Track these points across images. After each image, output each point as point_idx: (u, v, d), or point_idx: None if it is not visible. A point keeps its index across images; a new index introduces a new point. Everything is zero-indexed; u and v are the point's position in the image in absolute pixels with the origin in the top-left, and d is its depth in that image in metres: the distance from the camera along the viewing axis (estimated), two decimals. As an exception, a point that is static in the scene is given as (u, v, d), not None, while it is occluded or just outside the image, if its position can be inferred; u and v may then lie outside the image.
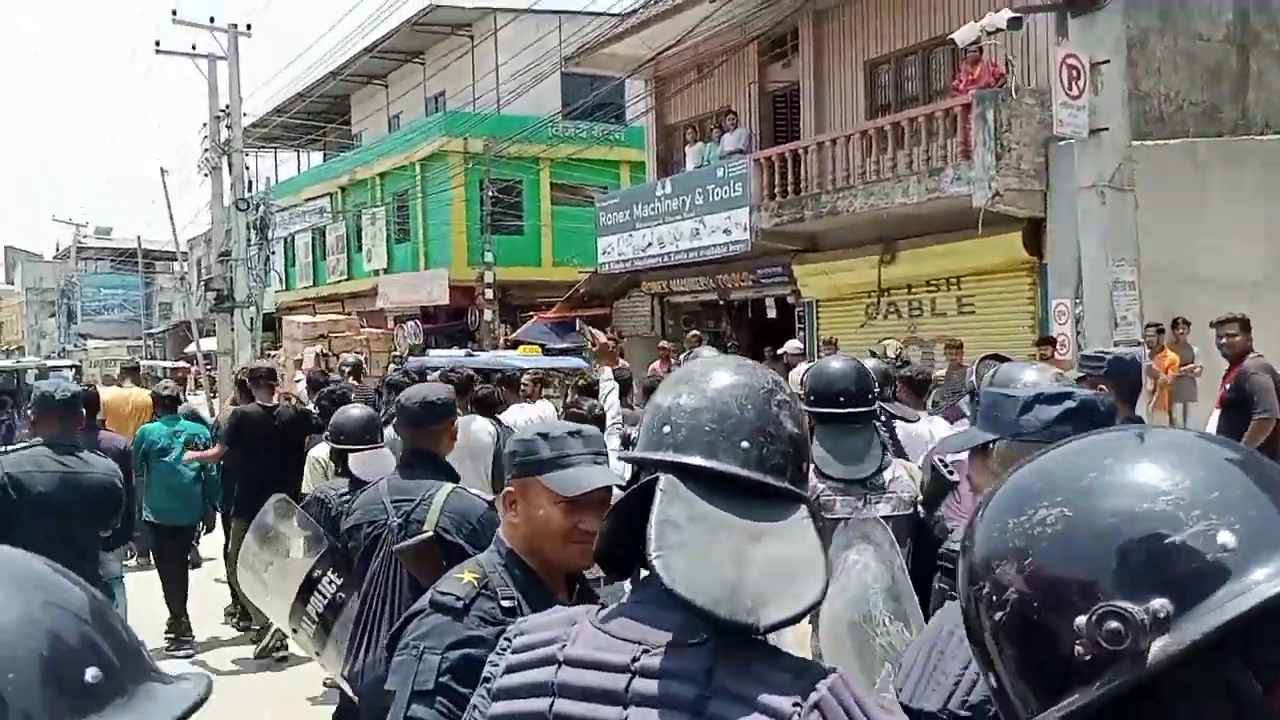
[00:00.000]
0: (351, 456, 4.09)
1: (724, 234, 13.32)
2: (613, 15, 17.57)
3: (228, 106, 22.13)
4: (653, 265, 14.91)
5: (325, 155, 33.72)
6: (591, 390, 6.00)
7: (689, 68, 15.48)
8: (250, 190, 22.22)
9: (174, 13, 21.03)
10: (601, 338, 8.67)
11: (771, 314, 14.42)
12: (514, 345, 20.65)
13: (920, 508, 3.05)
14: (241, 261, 21.80)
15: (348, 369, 8.16)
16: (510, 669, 1.21)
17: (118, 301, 49.57)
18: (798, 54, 13.87)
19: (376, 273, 26.88)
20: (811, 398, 3.11)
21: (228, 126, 22.00)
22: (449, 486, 3.05)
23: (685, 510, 1.15)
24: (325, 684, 5.36)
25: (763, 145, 13.83)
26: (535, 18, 24.43)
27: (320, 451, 5.19)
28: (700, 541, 1.14)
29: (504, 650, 1.24)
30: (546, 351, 13.45)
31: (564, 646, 1.17)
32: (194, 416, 7.44)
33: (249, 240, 22.04)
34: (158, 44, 22.10)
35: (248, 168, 22.23)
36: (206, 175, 23.81)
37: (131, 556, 7.63)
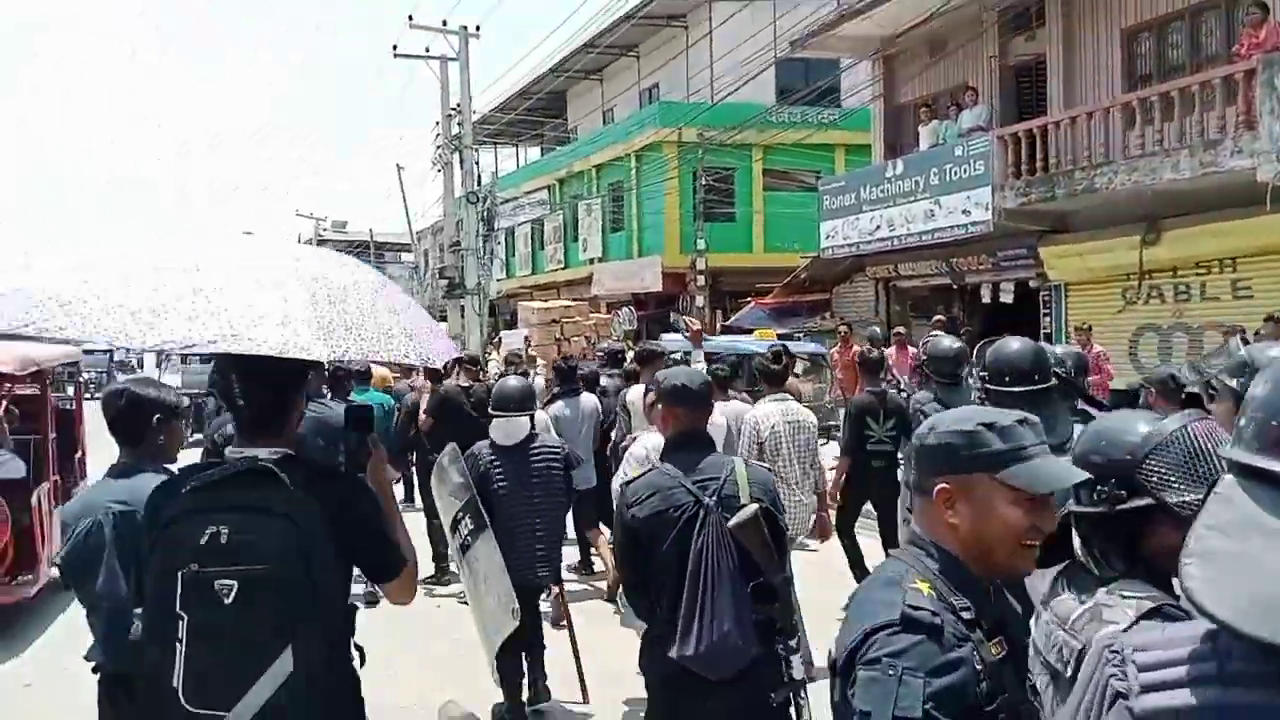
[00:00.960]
0: (493, 422, 4.69)
1: (962, 215, 12.69)
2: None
3: (458, 105, 23.23)
4: (880, 249, 14.44)
5: (543, 150, 34.85)
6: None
7: (921, 45, 14.85)
8: (479, 184, 23.23)
9: (410, 17, 22.25)
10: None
11: (1008, 298, 13.65)
12: (727, 330, 20.67)
13: None
14: (471, 251, 22.85)
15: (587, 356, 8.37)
16: (1148, 688, 1.06)
17: (351, 291, 53.05)
18: (1044, 25, 13.01)
19: (592, 261, 27.53)
20: (1006, 379, 3.32)
21: (458, 124, 23.09)
22: (736, 459, 3.08)
23: (1236, 515, 1.00)
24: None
25: (1004, 122, 13.07)
26: (749, 6, 24.26)
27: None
28: (1247, 551, 0.97)
29: (1119, 668, 1.11)
30: (782, 337, 13.28)
31: (1222, 665, 1.01)
32: (384, 389, 8.63)
33: (477, 231, 23.09)
34: (395, 48, 23.44)
35: (477, 163, 23.22)
36: (439, 170, 25.15)
37: None
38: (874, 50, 15.66)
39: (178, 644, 1.94)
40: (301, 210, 60.77)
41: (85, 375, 10.36)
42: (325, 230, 53.84)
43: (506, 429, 4.70)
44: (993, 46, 13.75)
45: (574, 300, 15.85)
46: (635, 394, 6.39)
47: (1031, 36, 13.37)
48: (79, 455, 8.53)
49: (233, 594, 1.93)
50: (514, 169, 34.36)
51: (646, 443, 4.28)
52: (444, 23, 22.41)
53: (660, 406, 3.15)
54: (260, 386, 2.12)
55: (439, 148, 26.71)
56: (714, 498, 2.90)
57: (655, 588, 2.93)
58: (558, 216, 29.60)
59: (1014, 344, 3.47)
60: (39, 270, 2.04)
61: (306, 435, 4.66)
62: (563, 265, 29.62)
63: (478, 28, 22.73)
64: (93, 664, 2.85)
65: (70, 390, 9.18)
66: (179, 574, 1.95)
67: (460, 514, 4.36)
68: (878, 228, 14.27)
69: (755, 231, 25.01)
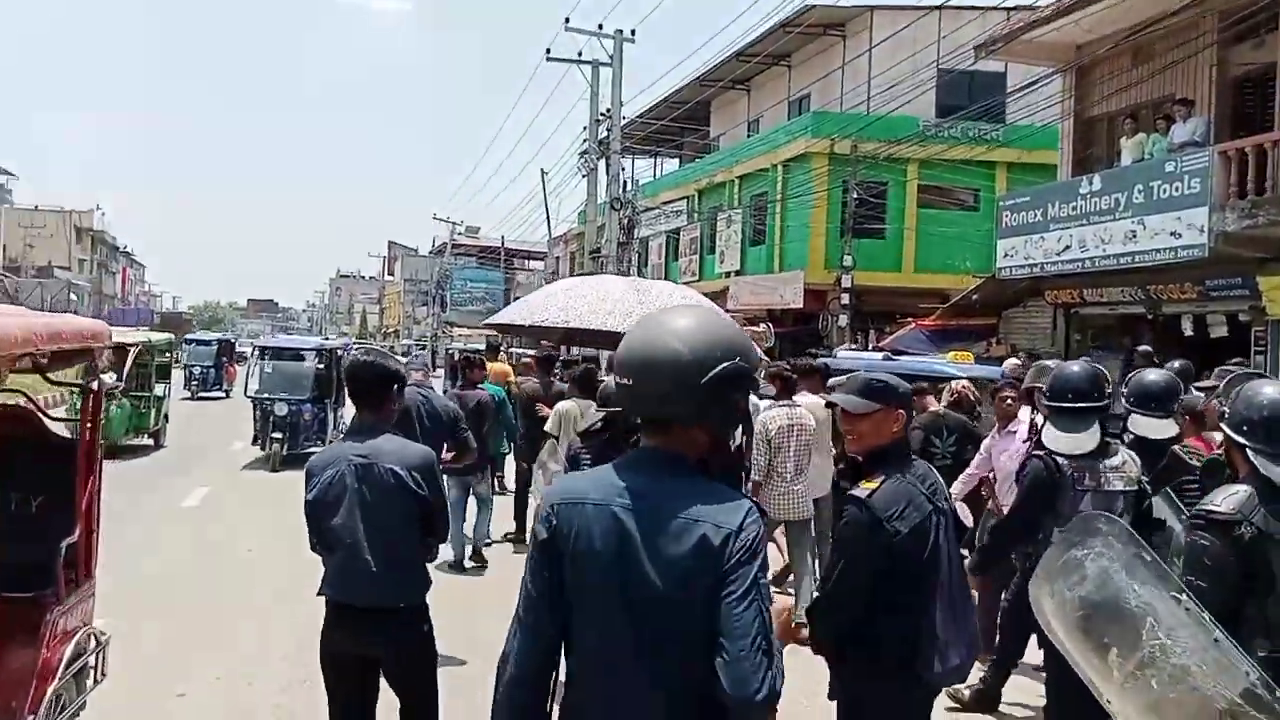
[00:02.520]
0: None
1: (1171, 236, 11.45)
2: (1019, 8, 15.96)
3: (607, 110, 22.89)
4: (1066, 271, 13.25)
5: (681, 161, 34.38)
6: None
7: (1123, 53, 13.63)
8: (624, 191, 22.82)
9: (566, 20, 22.06)
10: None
11: (1220, 331, 12.27)
12: (879, 352, 19.58)
13: (1146, 485, 3.98)
14: (611, 259, 22.44)
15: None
16: None
17: (481, 294, 53.83)
18: (1276, 30, 11.68)
19: (729, 274, 26.78)
20: (1069, 396, 4.00)
21: (607, 129, 22.74)
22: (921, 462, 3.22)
23: None
24: None
25: (1221, 137, 11.78)
26: (909, 14, 23.21)
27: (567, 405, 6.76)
28: None
29: None
30: (980, 360, 12.26)
31: None
32: (502, 383, 10.08)
33: (618, 239, 22.67)
34: (548, 51, 23.27)
35: (623, 169, 22.82)
36: (584, 176, 24.89)
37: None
38: (1067, 59, 14.48)
39: None
40: (439, 214, 61.96)
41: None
42: (459, 235, 54.77)
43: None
44: (1211, 54, 12.45)
45: (723, 311, 15.06)
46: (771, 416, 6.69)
47: (1260, 43, 12.03)
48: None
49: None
50: (651, 179, 33.97)
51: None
52: (600, 26, 22.11)
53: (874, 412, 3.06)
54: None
55: (584, 153, 26.49)
56: (945, 503, 2.95)
57: (893, 606, 2.80)
58: (695, 228, 29.00)
59: (1074, 366, 4.30)
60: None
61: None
62: (697, 277, 28.93)
63: (633, 32, 22.37)
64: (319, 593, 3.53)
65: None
66: None
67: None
68: (1066, 248, 13.09)
69: (905, 250, 23.84)
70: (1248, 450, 2.93)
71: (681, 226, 29.44)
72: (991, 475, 6.09)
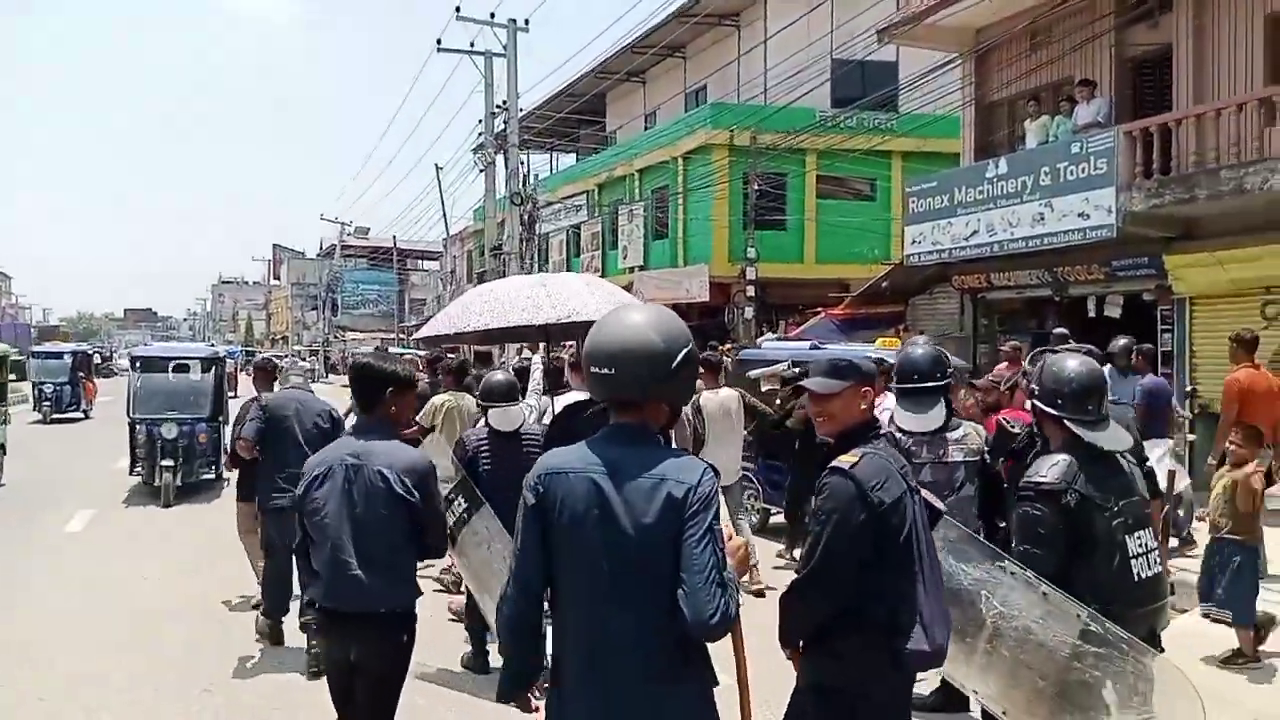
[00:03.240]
0: (490, 411, 5.36)
1: (1079, 218, 11.43)
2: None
3: (503, 102, 22.13)
4: (974, 256, 13.18)
5: (578, 156, 33.75)
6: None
7: (1021, 36, 13.64)
8: (524, 185, 22.09)
9: (458, 9, 21.16)
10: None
11: (1114, 312, 12.38)
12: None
13: (986, 456, 4.39)
14: (514, 255, 21.70)
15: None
16: None
17: (373, 296, 52.10)
18: (1170, 11, 11.79)
19: (632, 270, 26.30)
20: (914, 377, 4.28)
21: (503, 122, 21.97)
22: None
23: None
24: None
25: (1123, 118, 11.84)
26: (803, 4, 23.13)
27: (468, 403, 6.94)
28: None
29: None
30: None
31: None
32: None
33: (521, 235, 21.93)
34: (439, 43, 22.35)
35: (522, 162, 22.08)
36: (481, 171, 24.03)
37: None
38: (967, 43, 14.44)
39: None
40: (327, 215, 59.70)
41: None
42: (349, 235, 52.92)
43: (503, 417, 5.33)
44: (1110, 37, 12.52)
45: (672, 301, 14.55)
46: (707, 398, 7.49)
47: (1155, 25, 12.14)
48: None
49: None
50: (549, 175, 33.24)
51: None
52: (492, 15, 21.31)
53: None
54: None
55: (479, 148, 25.63)
56: (914, 481, 2.89)
57: (879, 583, 2.71)
58: (596, 222, 28.43)
59: (917, 348, 4.54)
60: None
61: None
62: (600, 273, 28.38)
63: (526, 21, 21.65)
64: (307, 599, 3.64)
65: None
66: None
67: (452, 494, 4.67)
68: (974, 232, 13.01)
69: (807, 241, 23.78)
70: (1065, 421, 3.17)
71: (582, 222, 28.83)
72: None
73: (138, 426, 12.01)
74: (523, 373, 7.09)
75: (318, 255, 62.77)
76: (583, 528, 2.19)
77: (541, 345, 7.01)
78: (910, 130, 22.28)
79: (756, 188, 22.21)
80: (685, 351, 2.26)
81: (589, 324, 2.76)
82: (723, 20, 24.84)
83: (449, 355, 11.18)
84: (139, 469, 12.11)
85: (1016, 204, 12.30)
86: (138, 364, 13.25)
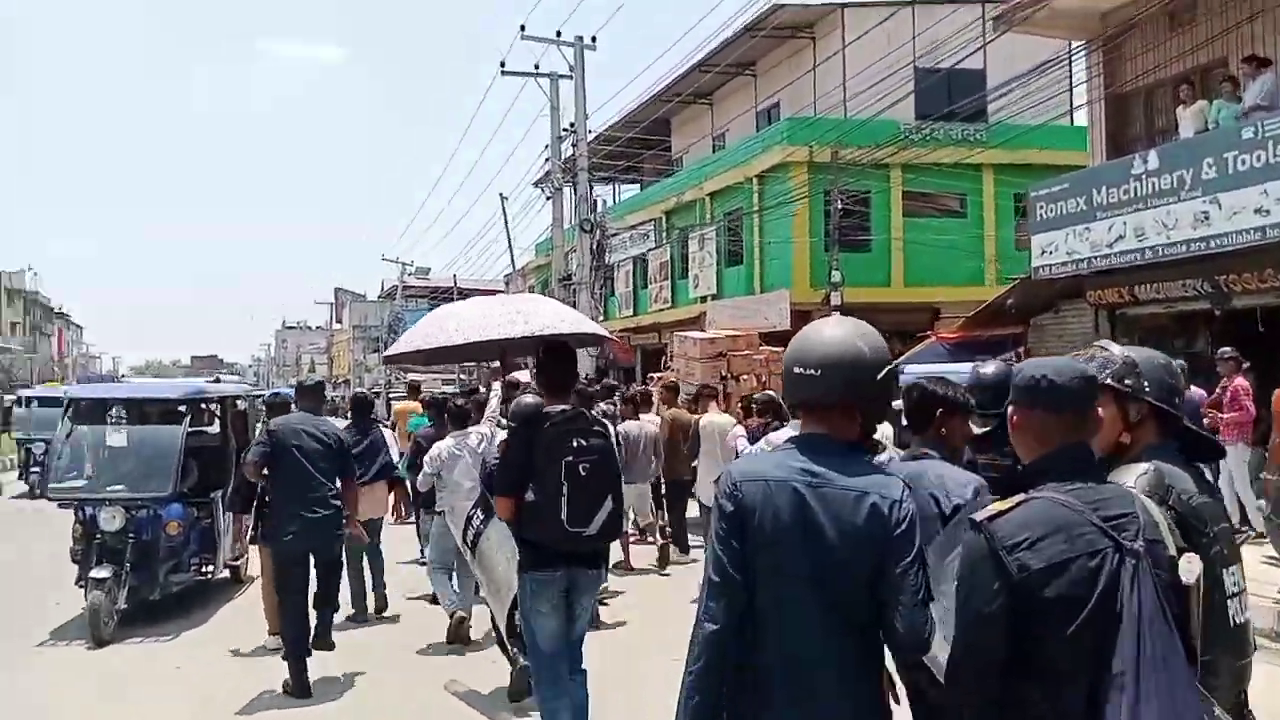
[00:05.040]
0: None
1: (1256, 215, 9.70)
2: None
3: (571, 124, 20.97)
4: (1119, 265, 11.49)
5: (641, 185, 32.57)
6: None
7: (1157, 18, 12.03)
8: (593, 211, 20.84)
9: (522, 28, 20.10)
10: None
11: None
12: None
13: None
14: (584, 285, 20.41)
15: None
16: None
17: (435, 336, 51.30)
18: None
19: (704, 299, 24.87)
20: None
21: (572, 145, 20.80)
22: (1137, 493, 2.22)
23: None
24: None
25: (1299, 98, 10.17)
26: (880, 11, 21.72)
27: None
28: None
29: None
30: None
31: None
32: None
33: (591, 264, 20.66)
34: (503, 65, 21.31)
35: (592, 186, 20.84)
36: (549, 198, 22.88)
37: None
38: (1091, 30, 12.86)
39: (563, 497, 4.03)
40: (388, 256, 59.50)
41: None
42: (410, 275, 52.38)
43: None
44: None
45: (741, 330, 13.11)
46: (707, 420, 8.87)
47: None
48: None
49: (588, 470, 4.10)
50: (612, 204, 32.07)
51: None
52: (558, 33, 20.21)
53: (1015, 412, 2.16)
54: (565, 372, 4.43)
55: (541, 180, 24.53)
56: (1140, 543, 1.95)
57: (1043, 674, 1.93)
58: (664, 252, 27.09)
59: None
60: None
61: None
62: (669, 304, 27.02)
63: (594, 39, 20.50)
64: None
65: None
66: (563, 463, 4.06)
67: (472, 510, 5.24)
68: (1119, 238, 11.32)
69: (894, 263, 22.12)
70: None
71: (649, 251, 27.51)
72: None
73: (76, 512, 7.62)
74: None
75: (379, 297, 62.48)
76: (785, 538, 2.11)
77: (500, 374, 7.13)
78: (1005, 142, 20.55)
79: (840, 206, 20.71)
80: (889, 369, 2.24)
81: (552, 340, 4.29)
82: (796, 33, 23.51)
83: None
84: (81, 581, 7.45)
85: (1172, 202, 10.61)
86: (76, 410, 8.35)
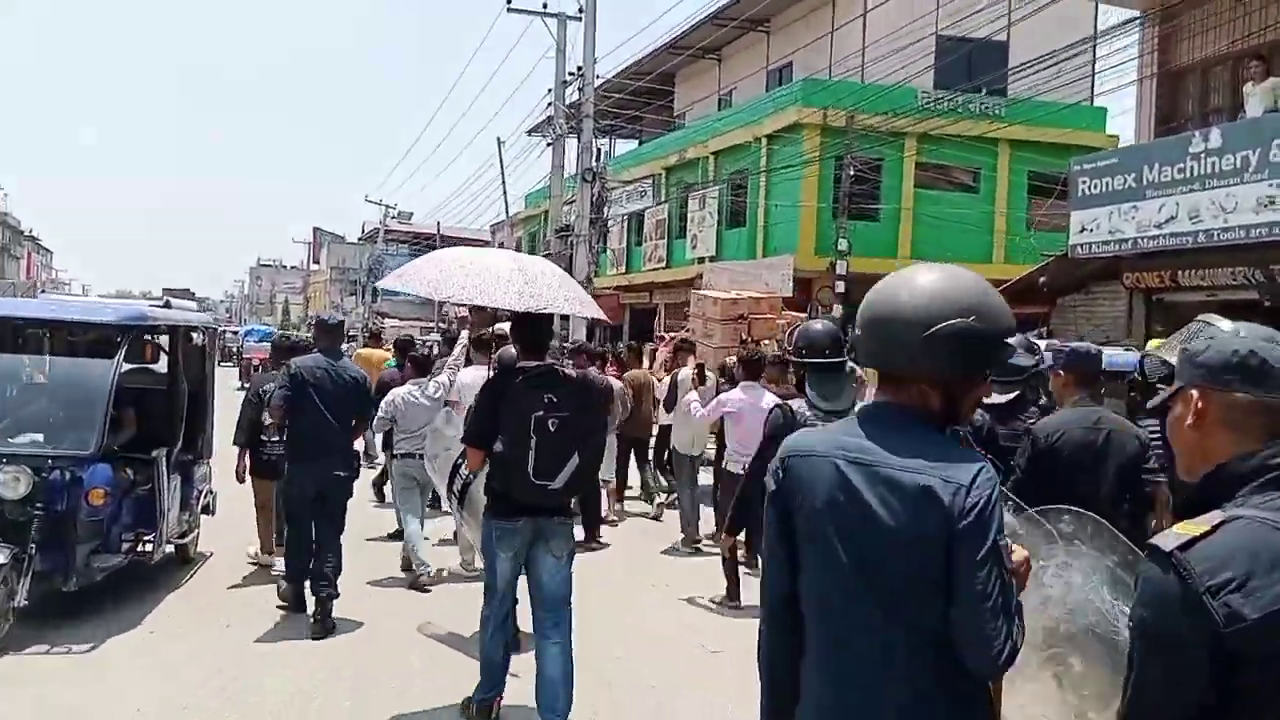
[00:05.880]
0: None
1: (1330, 202, 9.09)
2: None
3: (578, 68, 19.93)
4: (1168, 247, 10.82)
5: (641, 140, 31.51)
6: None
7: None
8: (597, 160, 19.87)
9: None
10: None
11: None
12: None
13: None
14: (583, 238, 19.50)
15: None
16: None
17: (415, 283, 50.13)
18: None
19: (701, 260, 24.02)
20: (804, 351, 4.46)
21: (578, 89, 19.77)
22: None
23: None
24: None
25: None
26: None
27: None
28: None
29: None
30: None
31: None
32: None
33: (590, 216, 19.73)
34: (509, 1, 20.20)
35: (596, 134, 19.84)
36: (549, 144, 21.85)
37: None
38: (1152, 0, 12.07)
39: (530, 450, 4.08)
40: (371, 197, 57.94)
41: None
42: (391, 220, 51.03)
43: None
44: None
45: (765, 294, 12.32)
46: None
47: None
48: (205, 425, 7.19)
49: (556, 426, 4.12)
50: (609, 158, 31.02)
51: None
52: (569, -28, 19.05)
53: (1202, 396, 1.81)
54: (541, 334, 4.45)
55: (543, 122, 23.48)
56: None
57: None
58: (661, 210, 26.16)
59: (816, 325, 4.76)
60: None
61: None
62: (664, 264, 26.17)
63: (606, -19, 19.37)
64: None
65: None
66: (532, 417, 4.10)
67: (460, 459, 4.93)
68: (1170, 218, 10.63)
69: (902, 234, 21.36)
70: None
71: (647, 208, 26.55)
72: None
73: None
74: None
75: (359, 240, 61.02)
76: (823, 522, 1.82)
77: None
78: (1024, 119, 19.76)
79: (852, 173, 19.89)
80: (950, 323, 1.78)
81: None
82: (817, -9, 22.52)
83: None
84: None
85: (1234, 184, 9.90)
86: None
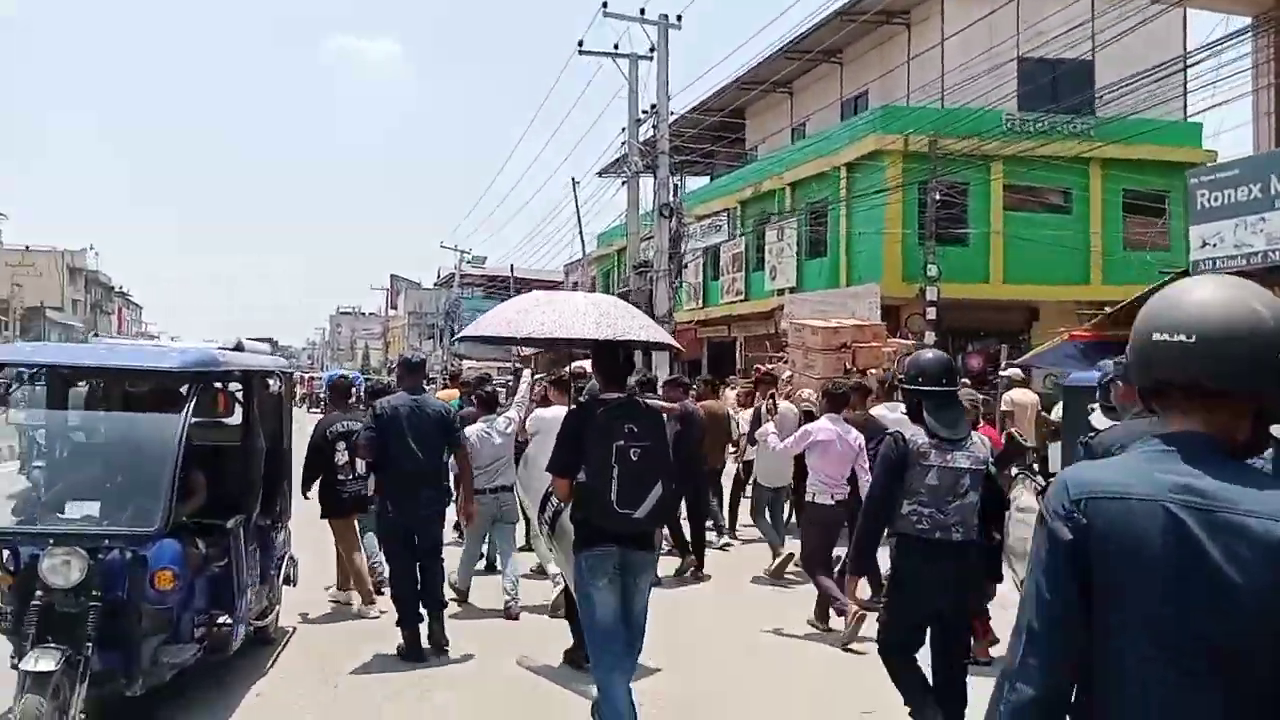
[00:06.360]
0: None
1: None
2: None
3: (652, 106, 19.79)
4: (1303, 262, 10.04)
5: (712, 176, 31.30)
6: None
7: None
8: (672, 196, 19.64)
9: (605, 5, 18.96)
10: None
11: None
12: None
13: (991, 465, 4.34)
14: (663, 274, 19.21)
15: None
16: None
17: (490, 326, 50.50)
18: None
19: (782, 291, 23.55)
20: (920, 380, 4.32)
21: (653, 126, 19.61)
22: None
23: None
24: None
25: None
26: (985, 2, 20.20)
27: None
28: None
29: None
30: None
31: None
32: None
33: (669, 252, 19.46)
34: (581, 44, 20.19)
35: (672, 170, 19.63)
36: (624, 183, 21.73)
37: None
38: (1265, 3, 11.38)
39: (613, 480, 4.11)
40: (446, 243, 58.90)
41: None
42: (466, 264, 51.65)
43: None
44: None
45: (866, 321, 11.85)
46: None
47: None
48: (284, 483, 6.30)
49: (638, 455, 4.15)
50: (682, 195, 30.86)
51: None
52: (642, 11, 19.01)
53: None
54: (621, 365, 4.55)
55: (615, 161, 23.41)
56: None
57: None
58: (739, 243, 25.80)
59: (928, 354, 4.65)
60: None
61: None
62: (743, 296, 25.76)
63: (679, 17, 19.29)
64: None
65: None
66: (614, 446, 4.13)
67: (550, 489, 4.80)
68: (1307, 230, 9.89)
69: (993, 258, 20.61)
70: None
71: (722, 242, 26.22)
72: None
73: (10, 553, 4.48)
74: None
75: (435, 285, 61.92)
76: (1159, 582, 1.43)
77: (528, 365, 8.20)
78: (1116, 137, 18.92)
79: (938, 197, 19.27)
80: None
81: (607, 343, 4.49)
82: (890, 19, 22.08)
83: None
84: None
85: (1383, 190, 9.16)
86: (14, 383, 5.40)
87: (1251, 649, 1.40)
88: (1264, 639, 1.40)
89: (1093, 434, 4.40)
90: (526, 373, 8.26)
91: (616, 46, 20.50)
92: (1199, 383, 1.54)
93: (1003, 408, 9.66)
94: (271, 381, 6.24)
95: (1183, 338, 1.55)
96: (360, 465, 6.73)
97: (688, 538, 8.33)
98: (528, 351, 28.81)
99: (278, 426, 6.22)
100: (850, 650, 5.92)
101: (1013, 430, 8.52)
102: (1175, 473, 1.49)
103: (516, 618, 6.65)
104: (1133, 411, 3.98)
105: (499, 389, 9.11)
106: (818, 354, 9.87)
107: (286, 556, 6.30)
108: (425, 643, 5.86)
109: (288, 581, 6.32)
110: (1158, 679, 1.45)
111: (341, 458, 6.92)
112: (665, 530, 7.95)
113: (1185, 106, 19.05)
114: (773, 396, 8.91)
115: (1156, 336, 1.58)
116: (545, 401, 7.39)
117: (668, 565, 7.80)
